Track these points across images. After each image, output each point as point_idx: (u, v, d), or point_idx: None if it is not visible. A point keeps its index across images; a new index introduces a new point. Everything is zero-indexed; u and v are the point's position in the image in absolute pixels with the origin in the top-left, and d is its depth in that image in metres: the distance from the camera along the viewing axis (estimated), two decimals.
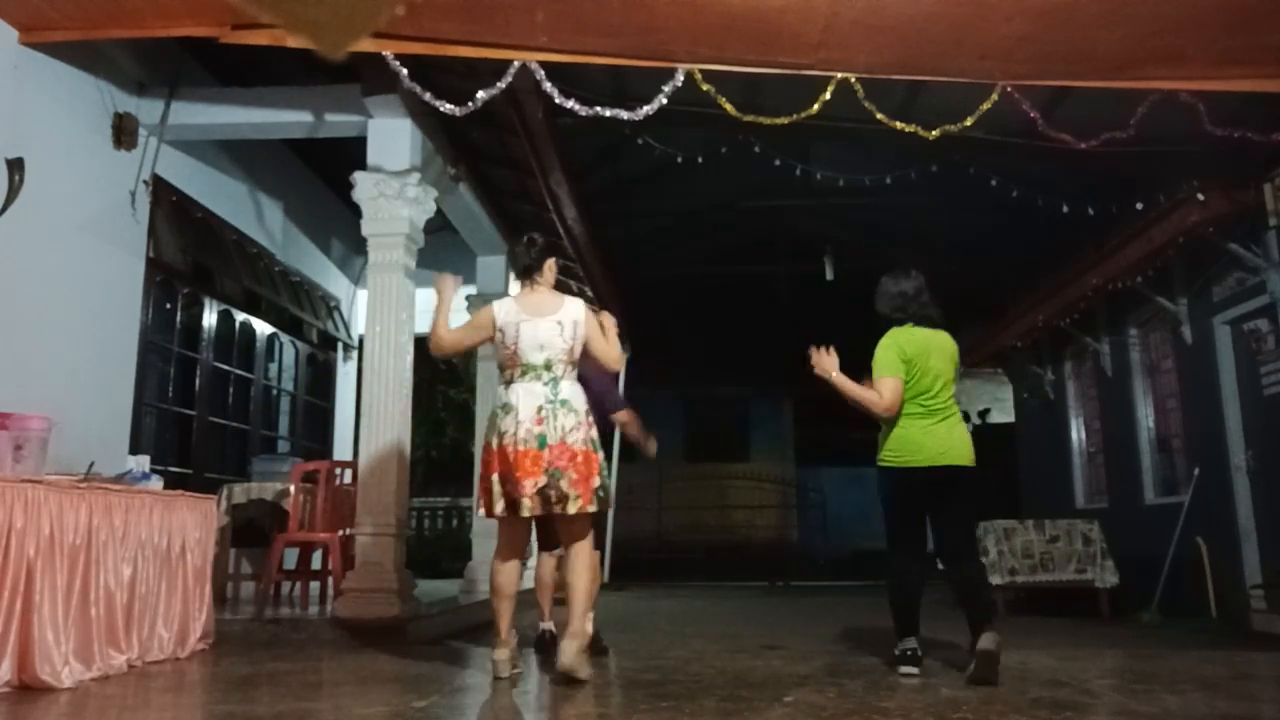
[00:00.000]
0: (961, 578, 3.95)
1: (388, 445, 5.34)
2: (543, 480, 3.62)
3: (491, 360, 8.25)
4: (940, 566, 4.27)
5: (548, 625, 4.70)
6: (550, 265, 4.00)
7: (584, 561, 3.78)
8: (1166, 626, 6.54)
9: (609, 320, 4.00)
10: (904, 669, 3.84)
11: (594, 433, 3.79)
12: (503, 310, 3.86)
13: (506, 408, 3.74)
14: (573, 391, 3.78)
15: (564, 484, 3.62)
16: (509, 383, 3.80)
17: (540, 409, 3.69)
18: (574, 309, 3.86)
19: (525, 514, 3.70)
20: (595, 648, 4.56)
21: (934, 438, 3.90)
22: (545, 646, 4.52)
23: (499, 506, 3.71)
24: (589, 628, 3.85)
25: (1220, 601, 6.79)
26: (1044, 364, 10.34)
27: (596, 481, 3.71)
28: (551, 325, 3.79)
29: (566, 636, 3.59)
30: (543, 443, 3.64)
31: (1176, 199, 6.46)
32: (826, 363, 4.08)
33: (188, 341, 6.74)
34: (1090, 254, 7.94)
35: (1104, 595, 7.20)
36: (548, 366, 3.76)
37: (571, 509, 3.64)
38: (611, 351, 3.93)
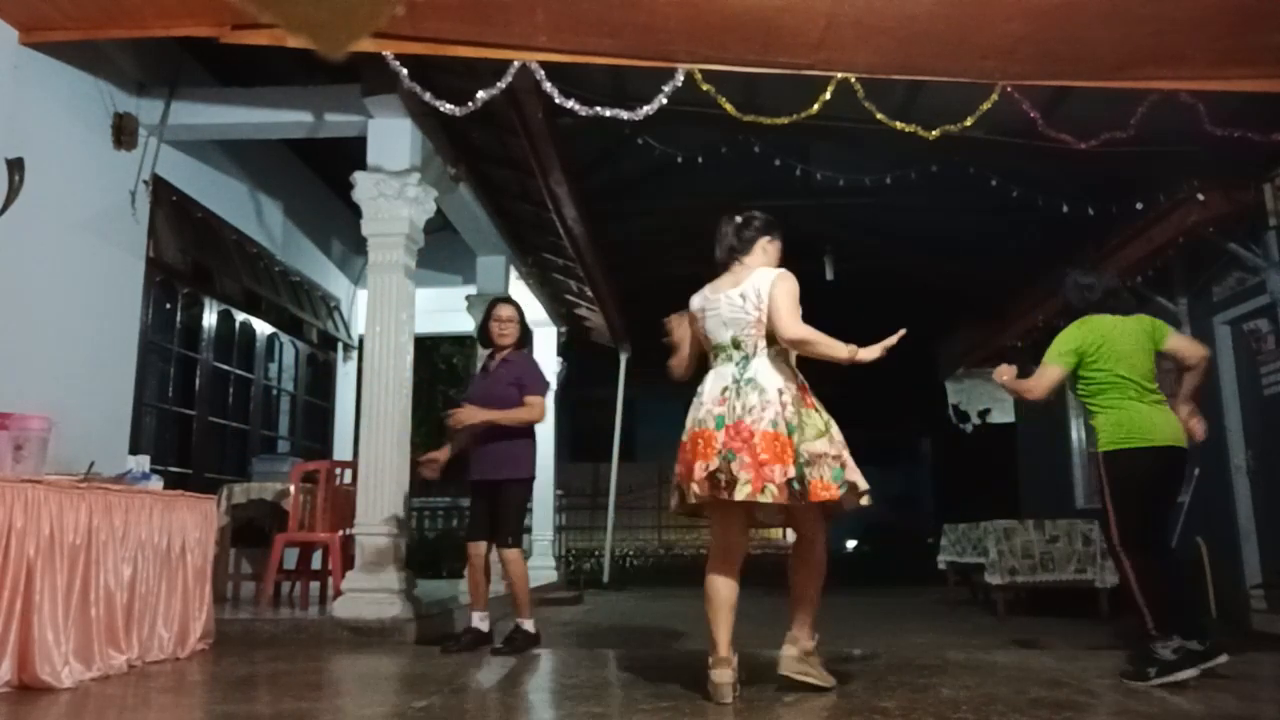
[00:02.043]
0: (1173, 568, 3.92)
1: (388, 445, 5.34)
2: (714, 463, 3.20)
3: None
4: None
5: (481, 618, 4.69)
6: (763, 245, 3.56)
7: (816, 558, 3.44)
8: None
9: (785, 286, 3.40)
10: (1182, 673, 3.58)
11: (789, 414, 3.24)
12: (698, 297, 3.56)
13: (698, 394, 3.41)
14: (763, 368, 3.31)
15: (735, 466, 3.17)
16: (707, 369, 3.49)
17: (725, 389, 3.31)
18: (759, 277, 3.41)
19: (691, 500, 3.31)
20: (529, 641, 4.64)
21: (1155, 421, 3.87)
22: (472, 642, 4.57)
23: (674, 500, 3.48)
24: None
25: (1220, 601, 6.79)
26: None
27: (779, 472, 3.14)
28: (735, 299, 3.40)
29: (786, 641, 3.40)
30: (720, 423, 3.25)
31: (1176, 199, 6.46)
32: (1006, 373, 4.06)
33: (188, 341, 6.74)
34: (1090, 254, 7.93)
35: (1104, 595, 7.20)
36: (736, 345, 3.37)
37: (739, 494, 3.14)
38: (782, 319, 3.31)
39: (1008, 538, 7.41)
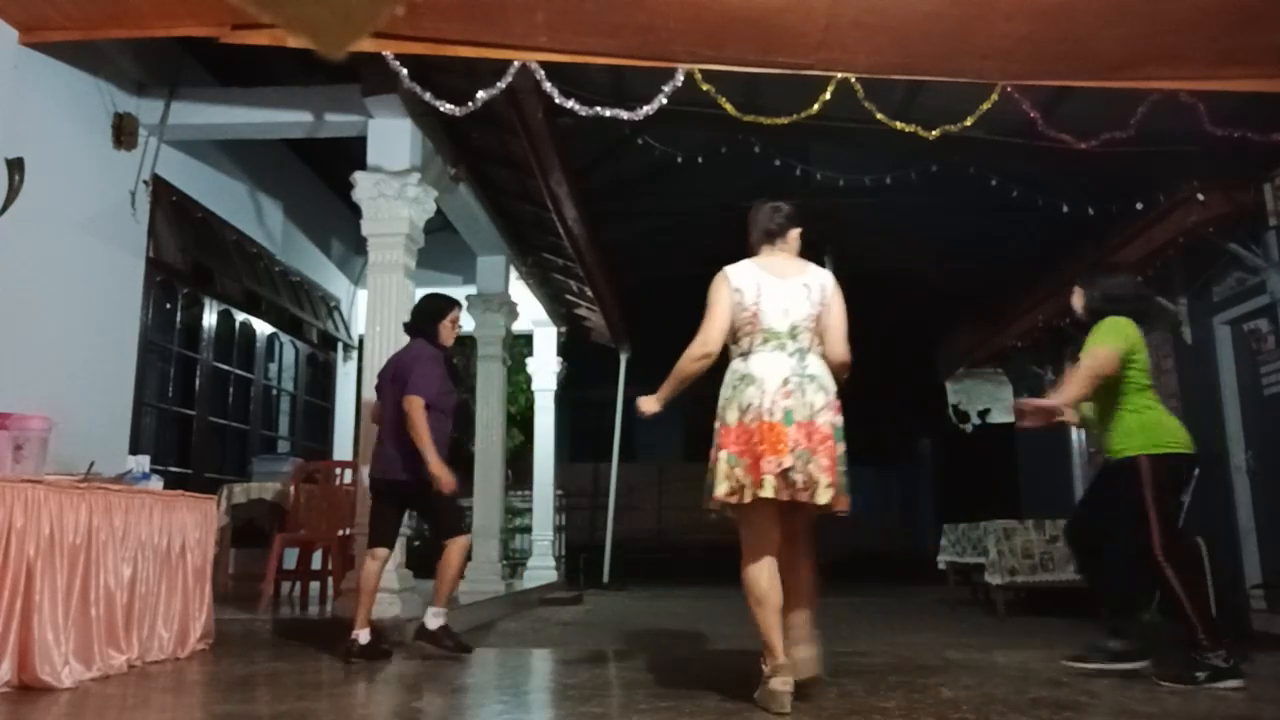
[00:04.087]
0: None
1: None
2: (788, 461, 3.08)
3: (492, 360, 8.29)
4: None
5: (361, 632, 4.25)
6: (795, 235, 3.49)
7: (812, 560, 3.37)
8: (1166, 626, 6.53)
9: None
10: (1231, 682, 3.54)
11: (839, 418, 3.23)
12: (739, 271, 3.35)
13: (747, 379, 3.20)
14: (820, 367, 3.26)
15: (813, 468, 3.09)
16: (746, 353, 3.26)
17: (787, 380, 3.17)
18: (821, 275, 3.37)
19: (768, 494, 3.09)
20: (459, 644, 4.35)
21: (1181, 427, 3.94)
22: (354, 653, 4.18)
23: (722, 489, 3.15)
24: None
25: (1220, 601, 6.79)
26: (1044, 364, 10.33)
27: (836, 476, 3.14)
28: (798, 287, 3.30)
29: (808, 641, 3.29)
30: (789, 418, 3.11)
31: (1176, 199, 6.46)
32: (1029, 405, 4.04)
33: (188, 341, 6.75)
34: (1090, 254, 7.93)
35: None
36: (793, 335, 3.24)
37: (821, 498, 3.10)
38: (841, 337, 3.32)
39: (1008, 538, 7.40)
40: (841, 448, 3.20)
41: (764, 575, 3.17)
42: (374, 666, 4.11)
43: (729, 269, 3.37)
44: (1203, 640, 3.61)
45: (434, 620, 4.34)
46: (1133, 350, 3.93)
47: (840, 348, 3.33)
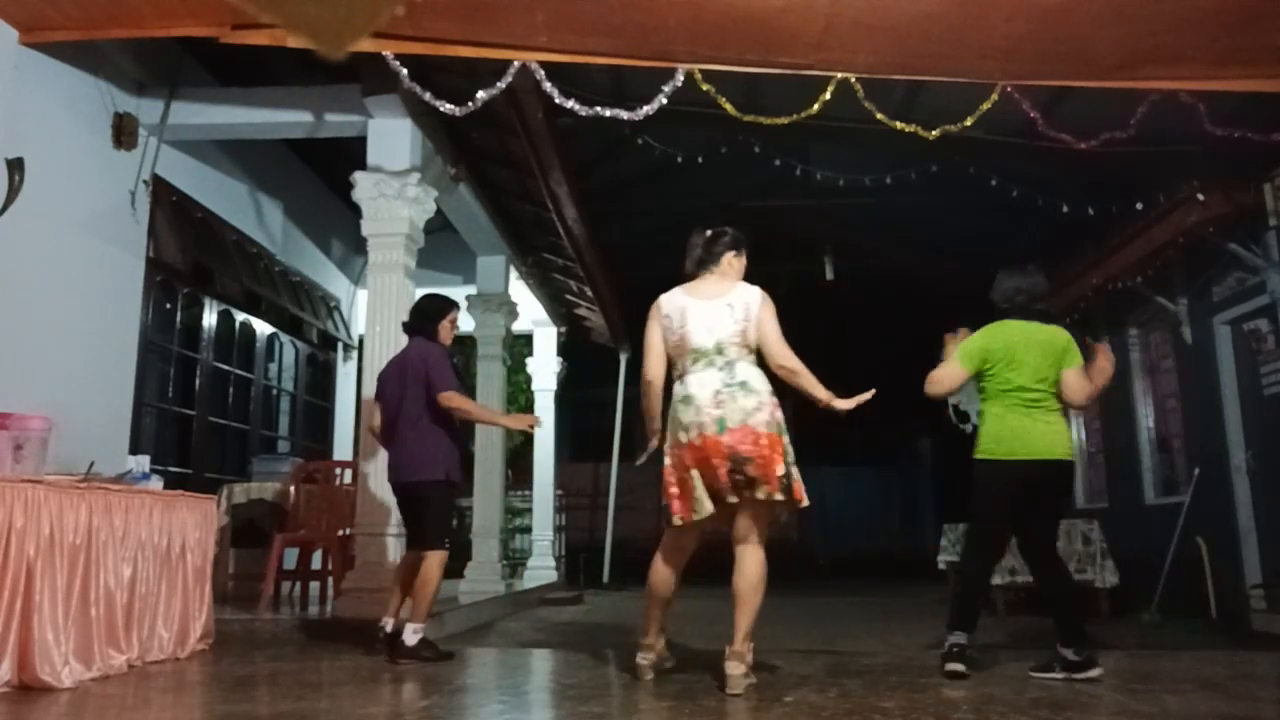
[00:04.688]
0: (1043, 584, 4.00)
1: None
2: (728, 465, 3.37)
3: (492, 360, 8.29)
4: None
5: (389, 620, 4.35)
6: (729, 260, 3.70)
7: (755, 568, 3.45)
8: (1166, 626, 6.54)
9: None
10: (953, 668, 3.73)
11: (779, 415, 3.46)
12: (668, 299, 3.66)
13: (686, 399, 3.49)
14: (751, 373, 3.50)
15: (749, 469, 3.37)
16: (683, 374, 3.56)
17: (718, 392, 3.43)
18: (746, 292, 3.59)
19: (711, 508, 3.41)
20: (439, 654, 4.26)
21: (1033, 433, 3.89)
22: (385, 644, 4.26)
23: (706, 507, 3.42)
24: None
25: (1220, 601, 6.79)
26: None
27: (780, 469, 3.38)
28: (722, 307, 3.55)
29: (731, 656, 3.33)
30: (721, 426, 3.38)
31: (1176, 199, 6.46)
32: (951, 341, 4.20)
33: (188, 341, 6.75)
34: (1090, 254, 7.93)
35: (1104, 595, 7.19)
36: (720, 350, 3.50)
37: (759, 494, 3.38)
38: (775, 346, 3.54)
39: None
40: (784, 440, 3.44)
41: (660, 577, 3.65)
42: (393, 667, 4.10)
43: (661, 298, 3.68)
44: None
45: (413, 636, 4.20)
46: (988, 360, 3.97)
47: (777, 354, 3.54)
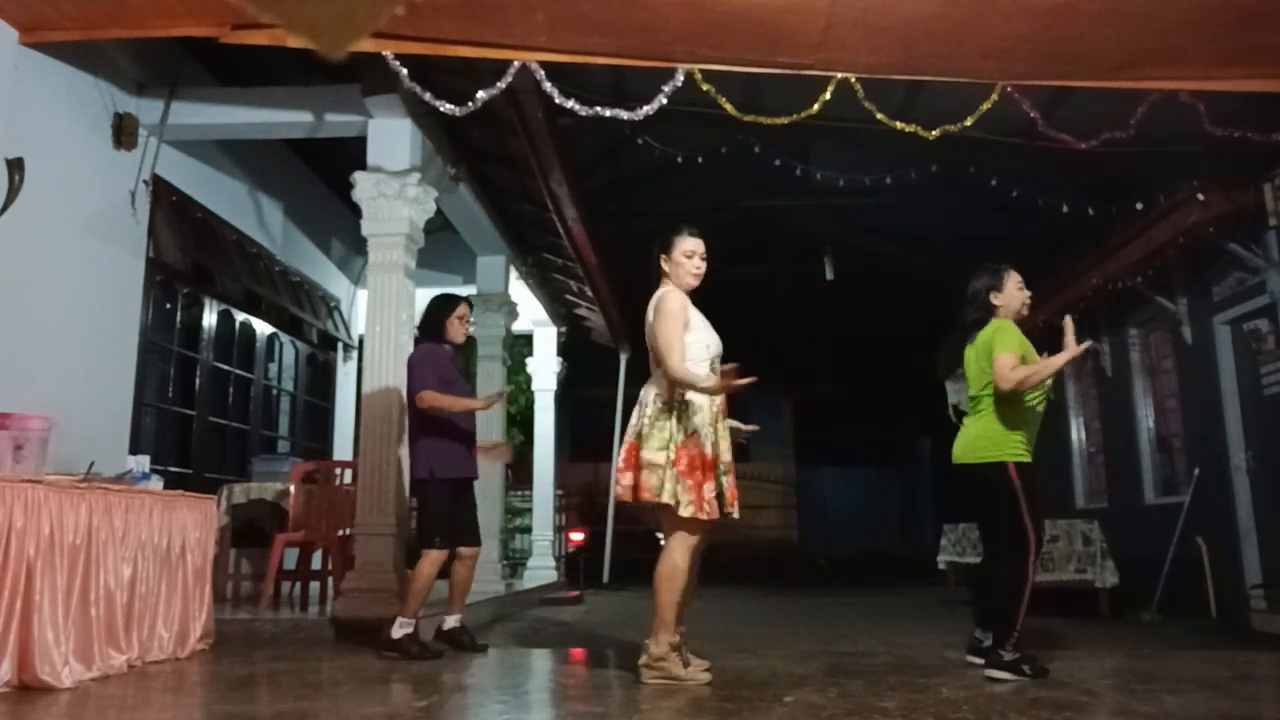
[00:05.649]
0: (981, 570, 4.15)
1: (387, 445, 5.33)
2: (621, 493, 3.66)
3: (492, 360, 8.29)
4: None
5: (454, 619, 4.73)
6: (661, 265, 3.76)
7: (659, 564, 3.57)
8: (1166, 626, 6.54)
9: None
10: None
11: (645, 422, 3.55)
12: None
13: (698, 407, 3.63)
14: (648, 384, 3.66)
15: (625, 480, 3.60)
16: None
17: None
18: (653, 299, 3.71)
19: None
20: (425, 650, 4.37)
21: (958, 438, 4.06)
22: (453, 640, 4.61)
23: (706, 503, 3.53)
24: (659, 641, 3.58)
25: (1220, 601, 6.79)
26: None
27: (628, 477, 3.54)
28: (648, 318, 3.73)
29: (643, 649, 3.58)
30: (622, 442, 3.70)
31: (1176, 199, 6.46)
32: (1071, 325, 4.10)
33: (188, 341, 6.74)
34: (1090, 254, 7.94)
35: (1104, 595, 7.19)
36: (652, 361, 3.71)
37: (624, 496, 3.59)
38: (664, 360, 3.56)
39: None
40: (639, 442, 3.53)
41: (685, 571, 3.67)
42: (405, 665, 4.16)
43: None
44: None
45: (398, 630, 4.31)
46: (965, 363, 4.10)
47: (662, 362, 3.57)
